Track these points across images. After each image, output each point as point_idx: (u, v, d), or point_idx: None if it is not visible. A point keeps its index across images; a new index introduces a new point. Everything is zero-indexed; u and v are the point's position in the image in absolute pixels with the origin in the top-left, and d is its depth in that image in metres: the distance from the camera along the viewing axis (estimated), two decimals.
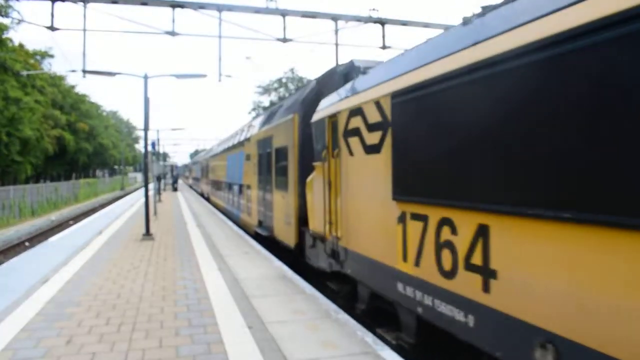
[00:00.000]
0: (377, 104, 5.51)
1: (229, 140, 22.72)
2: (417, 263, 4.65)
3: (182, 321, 5.77)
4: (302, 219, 9.16)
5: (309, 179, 8.46)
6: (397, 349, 5.11)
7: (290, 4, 54.18)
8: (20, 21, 34.60)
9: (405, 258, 4.88)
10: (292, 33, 29.39)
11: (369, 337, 5.17)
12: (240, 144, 17.51)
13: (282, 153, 10.67)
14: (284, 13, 14.93)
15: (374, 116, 5.61)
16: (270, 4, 14.77)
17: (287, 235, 10.22)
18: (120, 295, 7.02)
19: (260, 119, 15.20)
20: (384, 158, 5.31)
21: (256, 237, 13.43)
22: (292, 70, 52.50)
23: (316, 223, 7.97)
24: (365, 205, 5.95)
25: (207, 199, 31.26)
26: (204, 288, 7.40)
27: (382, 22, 15.68)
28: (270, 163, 11.91)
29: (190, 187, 55.44)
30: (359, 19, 15.65)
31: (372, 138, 5.65)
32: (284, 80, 53.01)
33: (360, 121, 6.00)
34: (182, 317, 5.92)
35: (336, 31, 15.73)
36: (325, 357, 4.61)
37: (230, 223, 17.17)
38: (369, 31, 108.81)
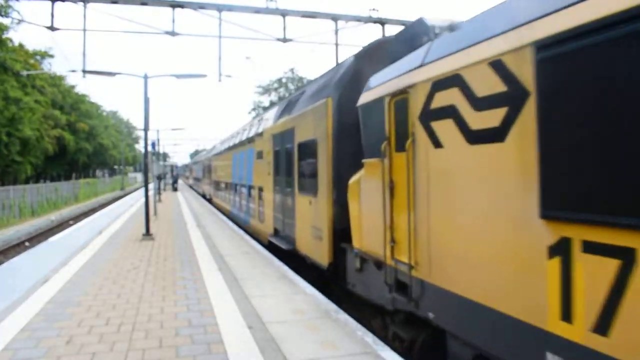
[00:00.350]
0: (497, 64, 3.73)
1: (236, 136, 20.38)
2: (601, 329, 2.89)
3: (182, 321, 5.77)
4: (339, 232, 7.56)
5: (352, 181, 6.77)
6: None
7: (290, 4, 54.23)
8: (20, 21, 34.70)
9: (567, 316, 3.16)
10: (292, 33, 29.39)
11: (369, 337, 5.17)
12: (250, 140, 15.47)
13: (308, 148, 8.88)
14: (284, 13, 14.96)
15: (489, 85, 3.84)
16: (270, 4, 14.81)
17: (316, 251, 8.37)
18: (120, 295, 7.02)
19: (274, 110, 13.28)
20: (516, 149, 3.57)
21: (270, 247, 11.49)
22: (292, 70, 52.73)
23: (367, 240, 6.29)
24: (470, 222, 4.16)
25: (210, 201, 30.29)
26: (204, 288, 7.40)
27: (382, 22, 15.71)
28: (291, 161, 10.12)
29: (191, 187, 55.44)
30: (359, 19, 15.70)
31: (486, 119, 3.88)
32: (284, 80, 53.19)
33: (458, 95, 4.23)
34: (182, 317, 5.92)
35: (336, 31, 15.77)
36: (325, 357, 4.61)
37: (230, 224, 17.12)
38: (369, 31, 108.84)
